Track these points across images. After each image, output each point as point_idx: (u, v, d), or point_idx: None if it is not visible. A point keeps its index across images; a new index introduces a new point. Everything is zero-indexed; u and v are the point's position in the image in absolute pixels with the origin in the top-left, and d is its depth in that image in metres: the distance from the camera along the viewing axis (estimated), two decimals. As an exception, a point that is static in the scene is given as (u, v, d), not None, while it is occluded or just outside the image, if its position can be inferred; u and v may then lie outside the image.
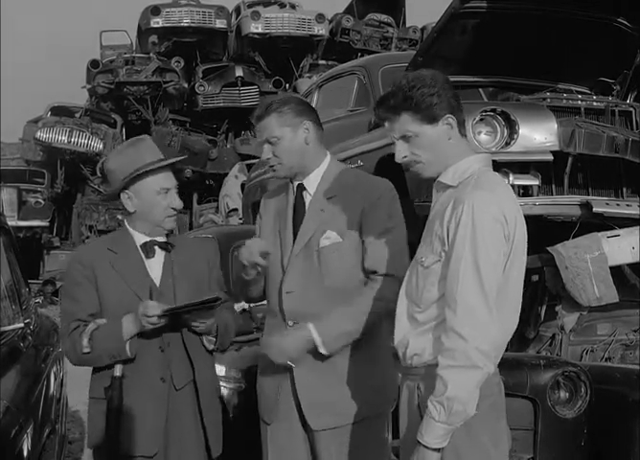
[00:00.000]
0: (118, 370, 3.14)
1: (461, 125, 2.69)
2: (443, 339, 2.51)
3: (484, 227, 2.51)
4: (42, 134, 20.45)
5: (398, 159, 2.71)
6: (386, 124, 2.72)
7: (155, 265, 3.28)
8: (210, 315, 3.19)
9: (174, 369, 3.20)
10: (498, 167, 5.21)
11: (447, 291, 2.54)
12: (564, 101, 5.87)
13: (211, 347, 3.30)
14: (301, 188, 3.27)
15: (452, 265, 2.54)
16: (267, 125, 3.20)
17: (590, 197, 5.64)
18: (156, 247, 3.29)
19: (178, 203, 3.28)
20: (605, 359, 5.35)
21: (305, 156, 3.23)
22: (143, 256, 3.27)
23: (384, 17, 22.65)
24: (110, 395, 3.11)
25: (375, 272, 3.10)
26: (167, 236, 3.34)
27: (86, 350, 3.12)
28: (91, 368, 3.27)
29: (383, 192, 3.21)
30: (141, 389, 3.16)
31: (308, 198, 3.26)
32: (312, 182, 3.26)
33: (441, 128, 2.64)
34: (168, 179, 3.28)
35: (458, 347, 2.47)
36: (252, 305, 3.53)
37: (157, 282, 3.26)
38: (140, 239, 3.29)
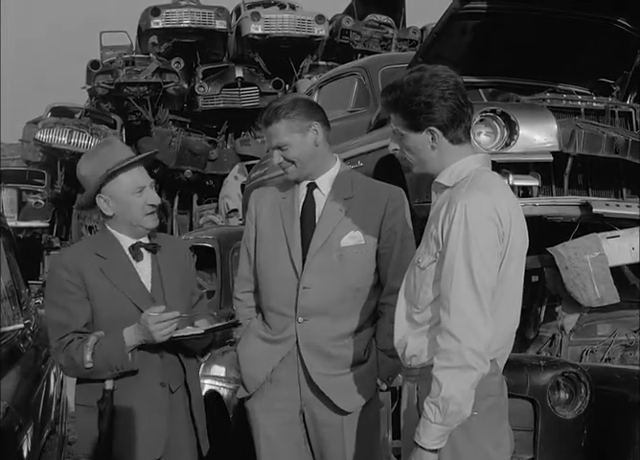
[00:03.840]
0: (109, 384, 3.09)
1: (461, 131, 2.66)
2: (438, 340, 2.52)
3: (476, 227, 2.51)
4: (42, 135, 20.43)
5: (390, 150, 2.77)
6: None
7: (144, 269, 3.23)
8: (209, 338, 3.24)
9: (171, 373, 3.19)
10: (498, 167, 5.21)
11: (441, 292, 2.55)
12: (564, 101, 5.87)
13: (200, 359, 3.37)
14: (312, 187, 3.29)
15: (445, 266, 2.54)
16: (276, 131, 3.20)
17: (590, 198, 5.64)
18: (142, 249, 3.23)
19: (155, 199, 3.21)
20: (605, 360, 5.35)
21: (315, 158, 3.26)
22: (131, 259, 3.22)
23: (384, 18, 22.65)
24: (103, 408, 3.06)
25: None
26: (149, 236, 3.28)
27: (89, 365, 3.05)
28: None
29: (402, 200, 3.30)
30: (143, 396, 3.12)
31: (320, 198, 3.28)
32: (325, 182, 3.29)
33: (424, 137, 2.65)
34: (141, 177, 3.20)
35: (452, 348, 2.47)
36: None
37: (148, 287, 3.21)
38: (126, 241, 3.22)
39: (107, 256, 3.18)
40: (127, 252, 3.22)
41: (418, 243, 2.81)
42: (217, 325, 3.20)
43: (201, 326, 3.19)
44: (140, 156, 3.25)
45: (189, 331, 3.12)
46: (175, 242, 3.47)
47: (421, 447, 2.50)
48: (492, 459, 2.60)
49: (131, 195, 3.17)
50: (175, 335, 3.07)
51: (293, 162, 3.23)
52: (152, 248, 3.25)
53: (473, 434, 2.56)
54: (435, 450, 2.50)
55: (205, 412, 3.33)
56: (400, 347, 2.71)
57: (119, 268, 3.18)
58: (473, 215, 2.52)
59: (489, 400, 2.58)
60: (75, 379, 3.24)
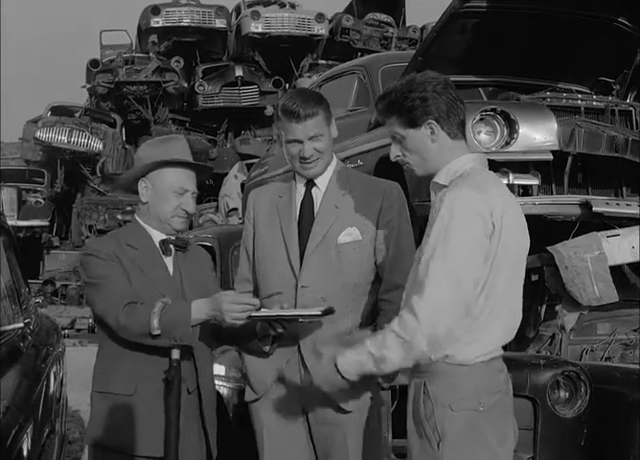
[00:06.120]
0: (176, 353, 3.05)
1: (456, 126, 2.71)
2: (403, 310, 2.60)
3: (461, 220, 2.56)
4: (42, 134, 20.47)
5: (392, 158, 2.80)
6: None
7: (168, 265, 3.25)
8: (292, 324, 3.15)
9: (186, 372, 3.16)
10: (498, 166, 5.21)
11: (418, 277, 2.60)
12: (564, 100, 5.87)
13: (267, 349, 3.22)
14: (310, 185, 3.29)
15: (426, 252, 2.60)
16: (316, 123, 3.19)
17: (590, 197, 5.64)
18: (171, 246, 3.25)
19: (191, 208, 3.23)
20: (605, 359, 5.34)
21: (330, 152, 3.29)
22: (161, 253, 3.23)
23: (384, 17, 22.69)
24: (171, 378, 3.04)
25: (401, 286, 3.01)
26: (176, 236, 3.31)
27: (157, 332, 2.99)
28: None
29: (398, 194, 3.29)
30: (161, 390, 3.09)
31: (318, 195, 3.28)
32: (323, 179, 3.29)
33: (423, 132, 2.69)
34: (188, 181, 3.23)
35: (410, 325, 2.56)
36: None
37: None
38: (156, 235, 3.25)
39: (139, 247, 3.20)
40: (158, 246, 3.24)
41: (418, 242, 2.82)
42: (312, 313, 3.05)
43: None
44: (198, 163, 3.31)
45: (276, 311, 3.04)
46: (197, 249, 3.48)
47: (341, 374, 2.65)
48: (498, 454, 2.64)
49: (171, 192, 3.21)
50: (258, 315, 3.02)
51: (321, 154, 3.23)
52: (182, 245, 3.27)
53: (480, 430, 2.59)
54: (347, 380, 2.67)
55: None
56: None
57: (150, 260, 3.20)
58: (460, 208, 2.57)
59: (496, 395, 2.63)
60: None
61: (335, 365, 2.68)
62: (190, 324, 3.02)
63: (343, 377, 2.67)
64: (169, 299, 3.07)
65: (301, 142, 3.20)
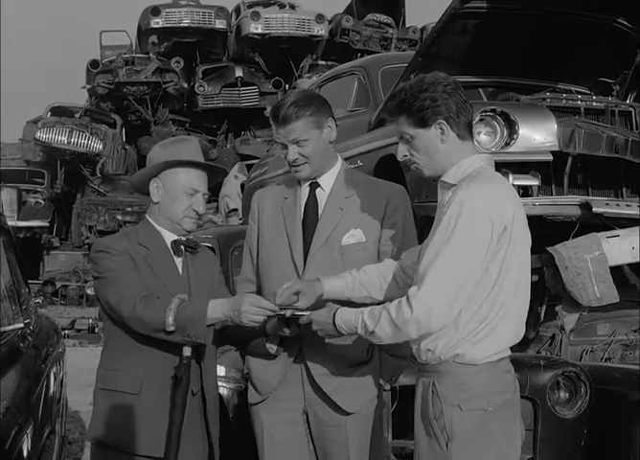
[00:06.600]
0: (187, 350, 3.05)
1: (465, 127, 2.73)
2: (403, 298, 2.63)
3: (470, 219, 2.58)
4: (42, 134, 20.46)
5: (399, 158, 2.81)
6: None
7: (178, 264, 3.26)
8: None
9: (192, 374, 3.14)
10: (498, 167, 5.19)
11: (422, 266, 2.63)
12: (564, 101, 5.87)
13: (274, 349, 3.22)
14: (314, 186, 3.28)
15: (431, 246, 2.62)
16: (295, 128, 3.17)
17: (590, 198, 5.64)
18: (182, 247, 3.25)
19: (202, 208, 3.24)
20: (605, 360, 5.35)
21: (326, 155, 3.26)
22: (172, 254, 3.24)
23: (384, 18, 22.70)
24: (181, 375, 3.03)
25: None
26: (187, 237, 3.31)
27: (172, 328, 2.98)
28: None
29: (403, 197, 3.29)
30: (166, 390, 3.09)
31: (322, 196, 3.27)
32: (327, 181, 3.28)
33: (433, 132, 2.71)
34: (199, 182, 3.23)
35: (404, 311, 2.60)
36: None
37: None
38: (167, 236, 3.25)
39: (151, 247, 3.20)
40: (169, 246, 3.24)
41: (418, 243, 2.83)
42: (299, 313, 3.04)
43: None
44: (209, 163, 3.33)
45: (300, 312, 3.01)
46: (206, 251, 3.48)
47: (336, 323, 2.79)
48: (507, 454, 2.66)
49: (182, 192, 3.21)
50: (282, 313, 3.00)
51: (307, 159, 3.21)
52: (193, 246, 3.28)
53: (489, 430, 2.62)
54: (339, 332, 2.82)
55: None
56: (413, 343, 2.74)
57: (161, 260, 3.20)
58: (469, 206, 2.58)
59: (504, 395, 2.65)
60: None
61: (334, 316, 2.79)
62: (205, 322, 3.01)
63: (337, 329, 2.81)
64: (185, 296, 3.07)
65: (286, 145, 3.21)
